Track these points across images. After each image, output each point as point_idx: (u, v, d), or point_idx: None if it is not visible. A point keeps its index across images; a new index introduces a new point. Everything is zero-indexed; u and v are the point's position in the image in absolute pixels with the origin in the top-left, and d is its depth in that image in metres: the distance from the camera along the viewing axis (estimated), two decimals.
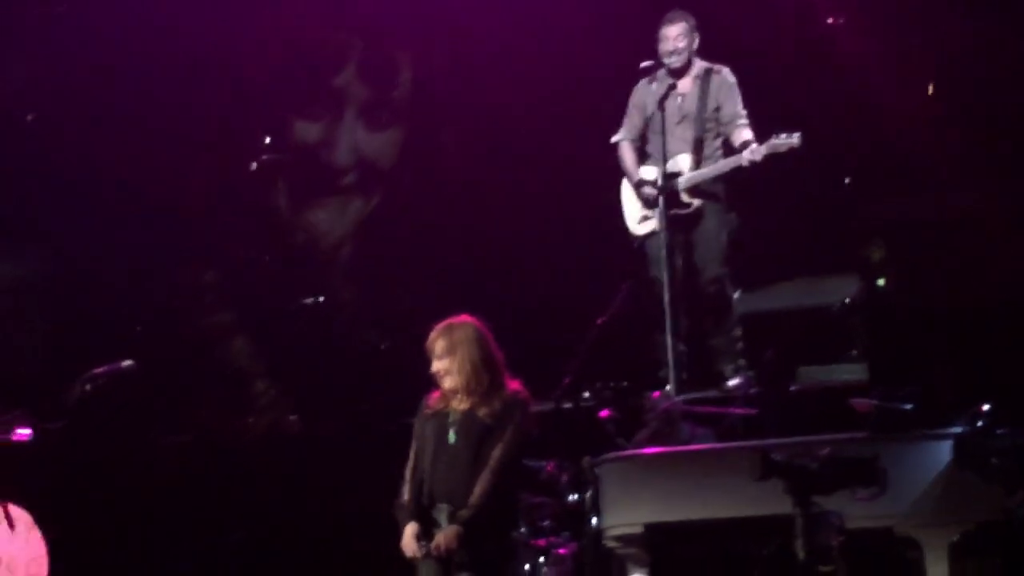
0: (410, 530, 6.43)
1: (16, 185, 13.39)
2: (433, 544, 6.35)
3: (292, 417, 11.13)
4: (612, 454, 7.43)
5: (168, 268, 12.27)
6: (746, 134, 8.56)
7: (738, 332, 8.61)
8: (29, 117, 12.85)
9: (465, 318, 6.61)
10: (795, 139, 8.22)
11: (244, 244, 12.47)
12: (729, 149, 8.61)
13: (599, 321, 8.40)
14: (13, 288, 17.87)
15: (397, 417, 9.90)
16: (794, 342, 8.72)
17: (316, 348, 11.92)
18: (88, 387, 6.46)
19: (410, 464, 6.57)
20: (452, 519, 6.28)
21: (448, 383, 6.44)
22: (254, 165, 12.01)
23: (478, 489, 6.30)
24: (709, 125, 8.63)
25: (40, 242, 14.47)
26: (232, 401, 11.55)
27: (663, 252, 8.28)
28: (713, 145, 8.64)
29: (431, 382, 6.53)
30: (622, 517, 7.06)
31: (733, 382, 8.37)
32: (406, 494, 6.52)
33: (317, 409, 11.08)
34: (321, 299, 12.00)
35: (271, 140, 12.19)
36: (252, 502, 10.67)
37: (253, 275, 12.34)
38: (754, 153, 8.30)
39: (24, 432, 6.58)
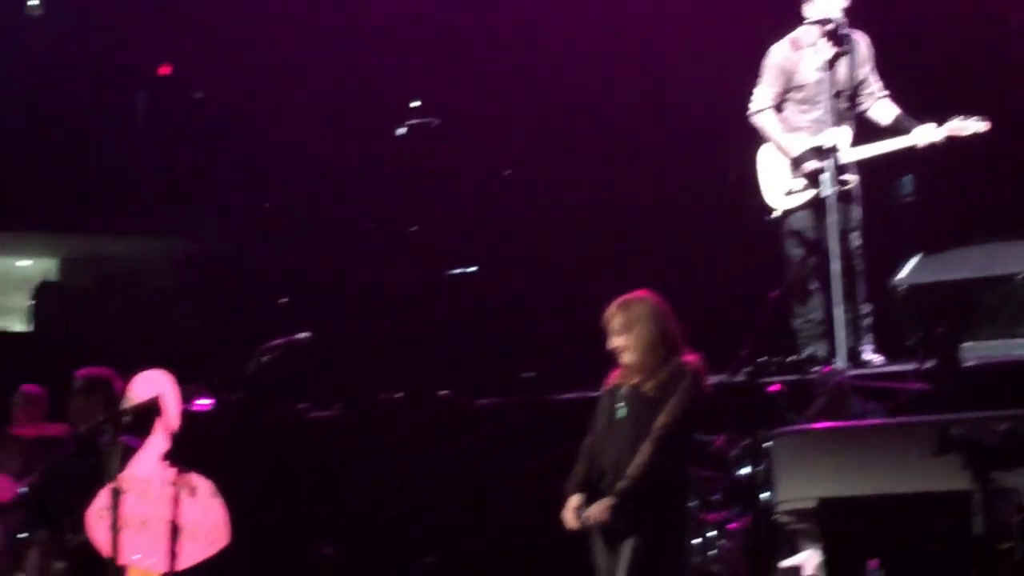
0: (571, 502, 6.52)
1: (191, 163, 13.80)
2: (584, 515, 6.43)
3: (443, 392, 11.25)
4: (784, 428, 7.41)
5: (334, 242, 12.46)
6: (894, 108, 8.42)
7: (869, 308, 8.51)
8: (197, 95, 13.19)
9: (642, 293, 6.65)
10: (983, 125, 8.04)
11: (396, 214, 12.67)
12: (864, 122, 8.46)
13: (772, 295, 8.36)
14: (191, 262, 18.35)
15: (558, 391, 10.07)
16: (970, 314, 8.53)
17: (471, 320, 12.07)
18: (265, 358, 6.63)
19: (587, 439, 6.65)
20: (611, 491, 6.35)
21: (626, 358, 6.51)
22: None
23: (636, 460, 6.36)
24: (854, 94, 8.50)
25: (214, 218, 14.85)
26: (389, 374, 11.72)
27: (830, 222, 8.15)
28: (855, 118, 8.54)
29: (591, 355, 6.62)
30: (794, 492, 7.05)
31: (869, 358, 8.30)
32: (577, 466, 6.60)
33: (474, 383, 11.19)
34: (474, 269, 12.11)
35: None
36: (415, 475, 10.85)
37: (406, 245, 12.53)
38: (932, 135, 8.12)
39: (204, 402, 6.78)
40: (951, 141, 8.14)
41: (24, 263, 22.30)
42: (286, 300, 13.21)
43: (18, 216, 19.47)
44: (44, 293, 19.93)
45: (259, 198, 14.26)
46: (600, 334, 6.65)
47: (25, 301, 20.33)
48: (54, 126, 16.93)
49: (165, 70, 16.65)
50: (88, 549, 6.77)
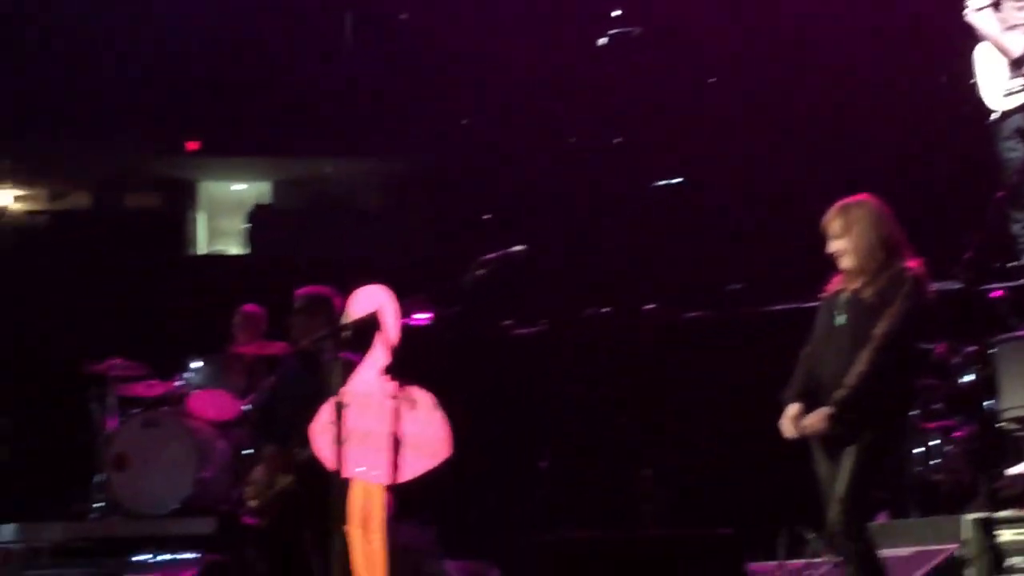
0: (789, 411, 6.47)
1: (401, 83, 13.92)
2: (802, 424, 6.38)
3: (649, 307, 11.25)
4: (1009, 335, 7.26)
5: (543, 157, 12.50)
6: None
7: None
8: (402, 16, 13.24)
9: (862, 197, 6.54)
10: None
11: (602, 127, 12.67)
12: None
13: (995, 198, 8.15)
14: (402, 181, 18.53)
15: (773, 302, 9.99)
16: None
17: (680, 232, 12.02)
18: (480, 272, 6.68)
19: (806, 348, 6.60)
20: (830, 400, 6.29)
21: (845, 263, 6.42)
22: None
23: (855, 368, 6.26)
24: None
25: (425, 137, 14.96)
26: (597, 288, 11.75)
27: None
28: None
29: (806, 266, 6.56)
30: (1020, 399, 6.92)
31: None
32: (796, 376, 6.56)
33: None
34: (679, 180, 12.05)
35: None
36: (626, 390, 10.90)
37: (612, 158, 12.51)
38: None
39: (423, 317, 6.87)
40: None
41: (239, 187, 22.76)
42: (489, 216, 13.32)
43: (232, 141, 19.90)
44: (258, 216, 20.38)
45: (468, 115, 14.33)
46: (816, 244, 6.58)
47: (240, 224, 20.81)
48: (265, 49, 17.22)
49: None
50: (315, 464, 6.93)
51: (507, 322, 10.56)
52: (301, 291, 8.19)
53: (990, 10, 8.30)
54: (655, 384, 11.04)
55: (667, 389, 11.04)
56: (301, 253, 17.20)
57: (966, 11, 8.38)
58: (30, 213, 22.21)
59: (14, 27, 17.03)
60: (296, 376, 8.08)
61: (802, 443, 6.47)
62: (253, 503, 8.20)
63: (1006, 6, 8.26)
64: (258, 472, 8.16)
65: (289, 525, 7.82)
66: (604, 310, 11.24)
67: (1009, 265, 8.24)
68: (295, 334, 8.03)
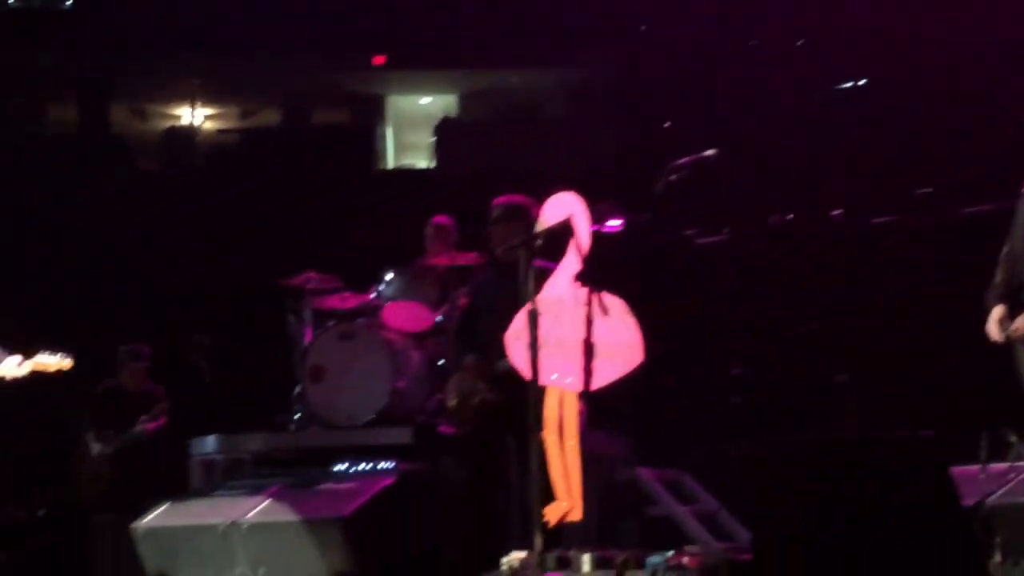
0: (994, 314, 6.32)
1: None
2: (1012, 328, 6.24)
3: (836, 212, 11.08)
4: None
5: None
6: None
7: None
8: None
9: None
10: None
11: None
12: None
13: None
14: (587, 90, 18.48)
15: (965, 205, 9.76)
16: None
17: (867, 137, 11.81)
18: (673, 177, 6.64)
19: (1005, 247, 6.44)
20: None
21: None
22: None
23: None
24: None
25: (607, 44, 14.86)
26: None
27: None
28: None
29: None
30: None
31: None
32: (998, 276, 6.41)
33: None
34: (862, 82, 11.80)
35: None
36: (817, 297, 10.77)
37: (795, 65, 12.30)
38: None
39: (614, 223, 6.87)
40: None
41: (425, 100, 22.95)
42: (668, 124, 13.23)
43: (418, 54, 20.03)
44: (445, 129, 20.50)
45: (651, 20, 14.23)
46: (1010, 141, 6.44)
47: (428, 138, 20.98)
48: None
49: None
50: (514, 373, 6.98)
51: (691, 231, 10.52)
52: (498, 200, 8.20)
53: None
54: (850, 289, 10.90)
55: (862, 294, 10.89)
56: (488, 165, 17.30)
57: None
58: (220, 131, 22.68)
59: None
60: (494, 286, 8.13)
61: (1006, 347, 6.35)
62: (453, 413, 8.32)
63: None
64: (454, 382, 8.25)
65: (488, 434, 7.91)
66: (788, 217, 11.13)
67: None
68: (493, 243, 8.04)
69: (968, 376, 9.02)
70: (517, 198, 7.99)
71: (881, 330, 10.90)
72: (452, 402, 8.26)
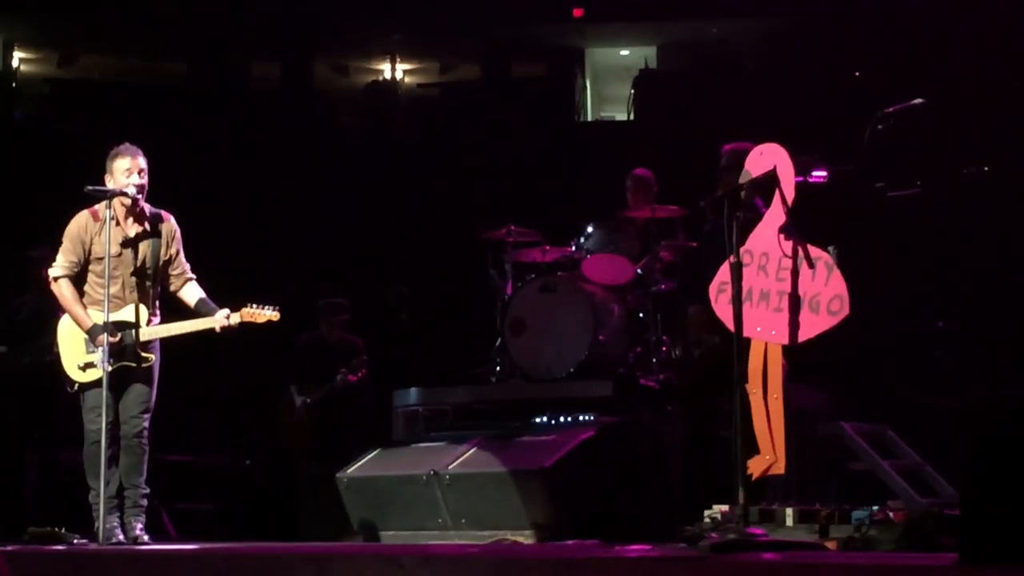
0: None
1: None
2: None
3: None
4: None
5: None
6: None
7: None
8: None
9: None
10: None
11: None
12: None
13: None
14: (787, 39, 18.30)
15: None
16: None
17: None
18: (880, 126, 6.56)
19: None
20: None
21: None
22: None
23: None
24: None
25: None
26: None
27: None
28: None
29: None
30: None
31: None
32: None
33: None
34: None
35: None
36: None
37: None
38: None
39: (820, 174, 6.79)
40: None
41: (624, 52, 22.90)
42: (858, 74, 13.00)
43: (616, 6, 20.00)
44: (644, 81, 20.43)
45: None
46: None
47: (626, 90, 20.94)
48: None
49: None
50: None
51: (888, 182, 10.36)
52: (727, 147, 8.17)
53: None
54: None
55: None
56: (687, 117, 17.22)
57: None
58: (421, 86, 22.93)
59: None
60: (719, 235, 8.12)
61: None
62: (679, 362, 8.33)
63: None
64: (685, 331, 8.26)
65: (712, 384, 7.90)
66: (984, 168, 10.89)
67: None
68: (721, 189, 8.01)
69: None
70: (746, 144, 7.93)
71: None
72: (677, 351, 8.29)
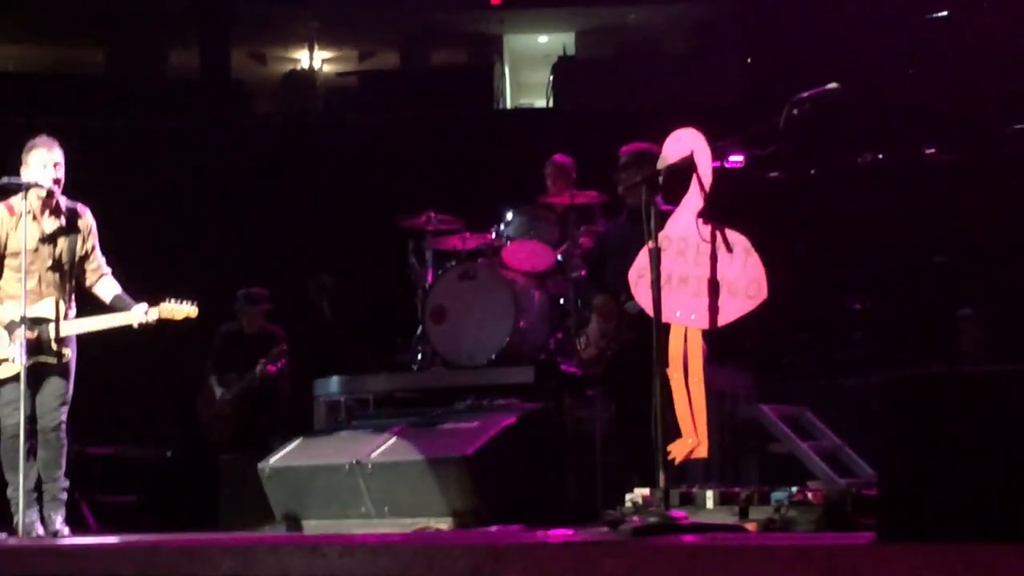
0: None
1: None
2: None
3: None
4: None
5: None
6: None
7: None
8: None
9: None
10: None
11: None
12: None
13: None
14: (705, 25, 18.36)
15: None
16: None
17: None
18: (795, 111, 6.58)
19: None
20: None
21: None
22: None
23: None
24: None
25: None
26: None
27: None
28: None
29: None
30: None
31: None
32: None
33: None
34: None
35: None
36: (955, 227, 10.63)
37: None
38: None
39: (736, 159, 6.83)
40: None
41: (543, 39, 22.93)
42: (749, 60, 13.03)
43: None
44: (563, 68, 20.47)
45: None
46: None
47: (545, 77, 20.97)
48: None
49: None
50: (644, 313, 6.98)
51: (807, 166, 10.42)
52: (626, 148, 8.23)
53: None
54: (976, 222, 10.75)
55: (991, 227, 10.74)
56: (607, 103, 17.26)
57: None
58: (340, 74, 22.85)
59: None
60: (621, 229, 8.16)
61: None
62: (586, 352, 8.37)
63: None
64: (592, 323, 8.30)
65: (621, 372, 7.95)
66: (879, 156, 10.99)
67: None
68: (622, 189, 8.08)
69: None
70: (643, 145, 8.00)
71: (1008, 263, 10.74)
72: (583, 343, 8.32)
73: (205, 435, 11.96)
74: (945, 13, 11.13)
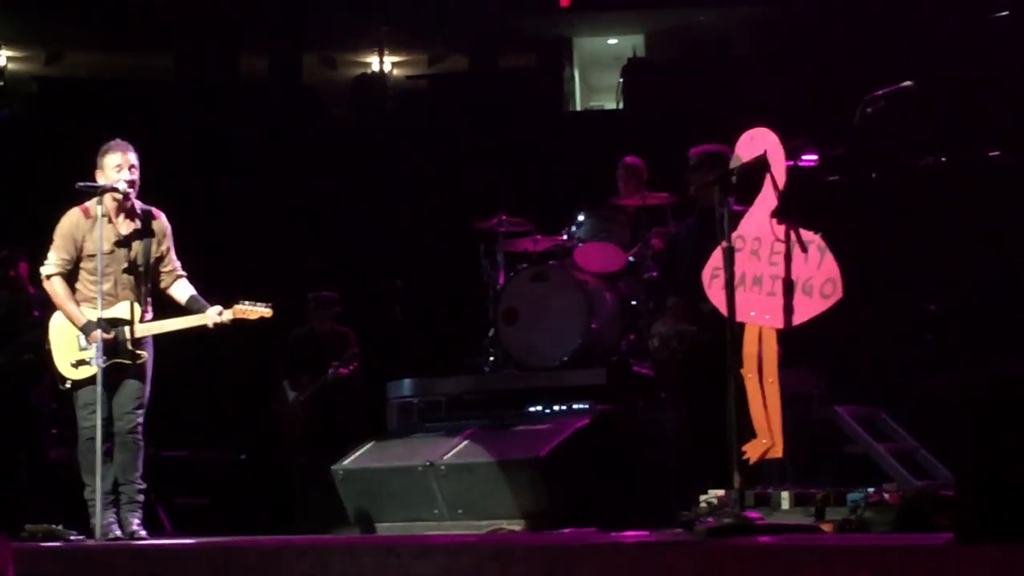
0: None
1: None
2: None
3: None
4: None
5: None
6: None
7: None
8: None
9: None
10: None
11: None
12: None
13: None
14: (776, 27, 18.25)
15: None
16: None
17: None
18: (869, 109, 6.56)
19: None
20: None
21: None
22: None
23: None
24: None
25: None
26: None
27: None
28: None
29: None
30: None
31: None
32: None
33: None
34: None
35: None
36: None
37: None
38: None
39: (810, 158, 6.81)
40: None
41: (612, 41, 22.94)
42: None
43: None
44: (633, 70, 20.47)
45: None
46: None
47: (615, 79, 20.98)
48: None
49: None
50: (718, 314, 6.98)
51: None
52: (695, 149, 8.23)
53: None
54: None
55: None
56: (677, 104, 17.23)
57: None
58: (410, 78, 22.95)
59: None
60: (693, 230, 8.16)
61: None
62: (659, 354, 8.36)
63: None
64: (663, 323, 8.31)
65: (699, 373, 7.94)
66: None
67: None
68: (693, 190, 8.07)
69: None
70: (713, 146, 7.99)
71: None
72: (656, 343, 8.32)
73: (279, 438, 12.06)
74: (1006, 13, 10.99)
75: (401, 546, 6.86)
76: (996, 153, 10.37)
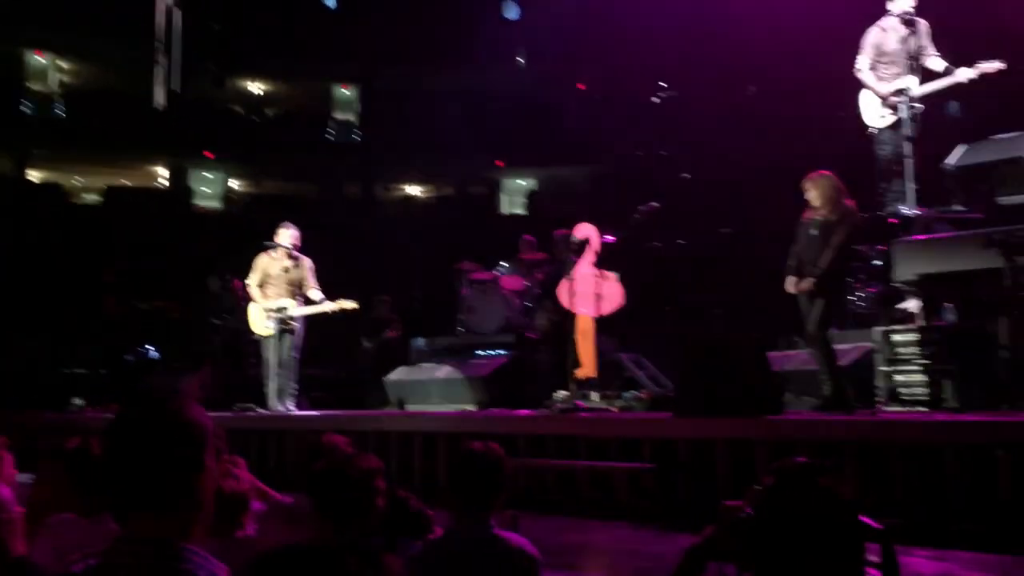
0: (789, 280, 5.70)
1: None
2: (795, 287, 5.63)
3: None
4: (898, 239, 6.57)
5: None
6: (943, 62, 6.50)
7: None
8: None
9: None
10: (998, 63, 6.20)
11: None
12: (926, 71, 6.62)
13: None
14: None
15: None
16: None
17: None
18: (637, 216, 6.58)
19: (794, 247, 5.80)
20: None
21: None
22: None
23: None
24: (919, 55, 6.80)
25: None
26: None
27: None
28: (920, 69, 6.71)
29: None
30: (903, 272, 6.34)
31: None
32: (791, 261, 5.76)
33: None
34: None
35: None
36: None
37: None
38: (968, 73, 6.27)
39: (611, 238, 6.80)
40: (983, 77, 6.32)
41: (521, 181, 22.40)
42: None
43: (518, 159, 19.55)
44: (532, 195, 19.88)
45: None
46: None
47: (523, 199, 20.44)
48: None
49: None
50: (566, 310, 6.82)
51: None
52: (557, 232, 8.17)
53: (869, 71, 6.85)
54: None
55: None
56: (552, 213, 15.97)
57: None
58: (427, 197, 22.33)
59: None
60: (555, 270, 8.14)
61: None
62: (541, 329, 8.24)
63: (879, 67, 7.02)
64: (540, 316, 8.24)
65: (556, 336, 7.86)
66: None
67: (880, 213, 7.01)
68: (557, 252, 8.05)
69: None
70: (564, 231, 7.92)
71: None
72: (540, 323, 8.26)
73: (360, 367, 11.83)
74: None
75: (419, 416, 6.85)
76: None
